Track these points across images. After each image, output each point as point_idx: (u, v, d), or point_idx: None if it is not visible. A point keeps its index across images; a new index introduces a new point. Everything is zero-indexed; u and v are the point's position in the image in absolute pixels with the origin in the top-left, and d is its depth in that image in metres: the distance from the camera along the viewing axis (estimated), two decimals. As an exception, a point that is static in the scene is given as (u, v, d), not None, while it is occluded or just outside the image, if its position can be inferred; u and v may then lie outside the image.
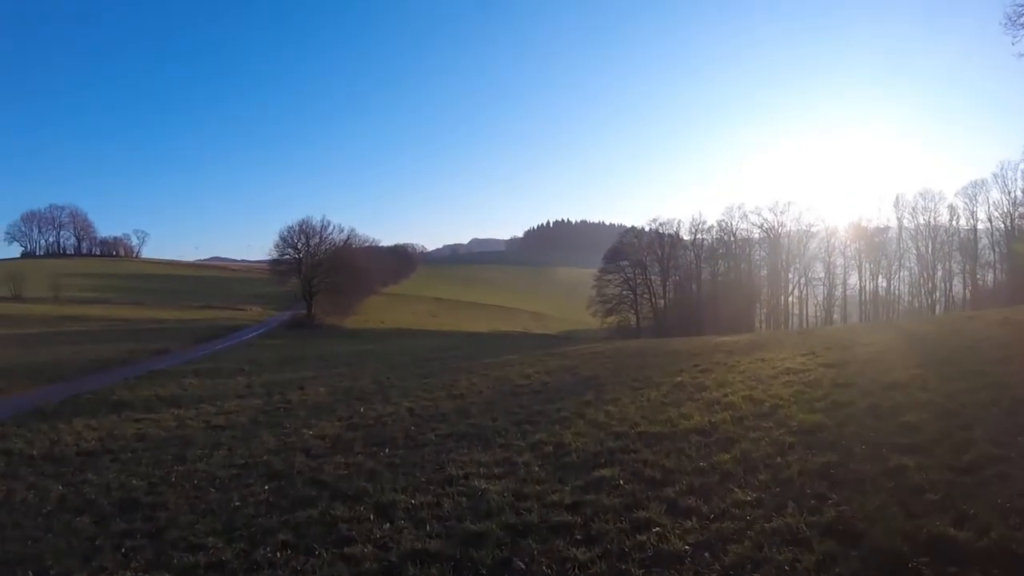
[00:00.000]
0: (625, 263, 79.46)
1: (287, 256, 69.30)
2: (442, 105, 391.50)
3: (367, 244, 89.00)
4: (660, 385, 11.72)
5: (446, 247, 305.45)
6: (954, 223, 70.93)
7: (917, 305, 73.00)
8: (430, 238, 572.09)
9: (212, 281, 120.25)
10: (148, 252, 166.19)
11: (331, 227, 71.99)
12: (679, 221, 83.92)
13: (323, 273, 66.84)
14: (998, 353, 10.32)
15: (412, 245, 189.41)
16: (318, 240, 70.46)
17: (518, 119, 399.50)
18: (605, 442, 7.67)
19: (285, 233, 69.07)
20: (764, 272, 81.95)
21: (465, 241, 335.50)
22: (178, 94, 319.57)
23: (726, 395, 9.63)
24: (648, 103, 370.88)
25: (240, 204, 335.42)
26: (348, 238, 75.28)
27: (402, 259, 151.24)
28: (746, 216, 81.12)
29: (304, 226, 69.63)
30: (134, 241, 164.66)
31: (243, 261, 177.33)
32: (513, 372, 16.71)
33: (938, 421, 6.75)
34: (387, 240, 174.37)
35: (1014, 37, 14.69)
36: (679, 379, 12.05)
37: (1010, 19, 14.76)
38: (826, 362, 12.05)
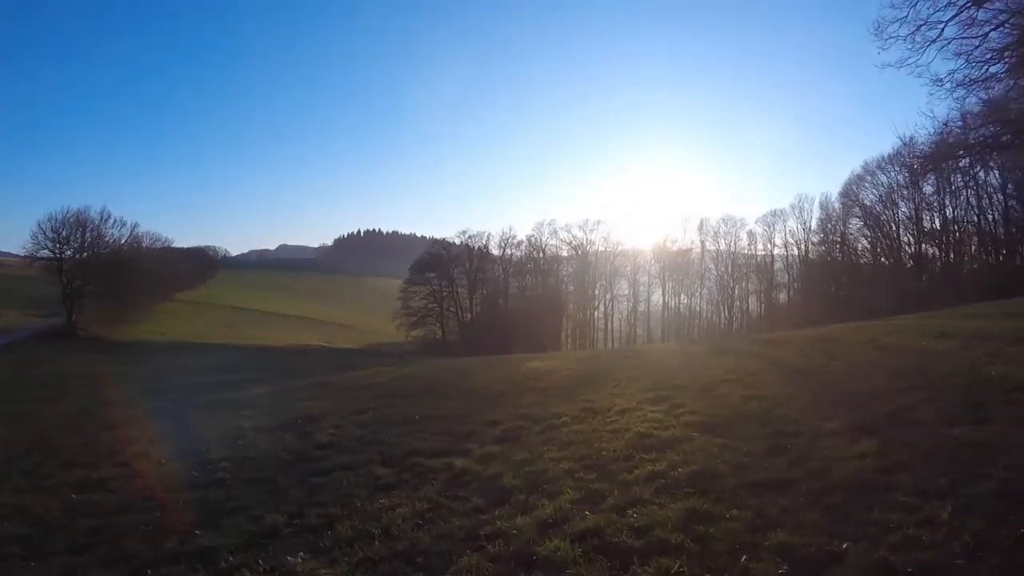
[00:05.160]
0: (432, 275, 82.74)
1: (44, 253, 59.54)
2: (248, 100, 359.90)
3: (160, 244, 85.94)
4: (424, 480, 6.74)
5: (253, 252, 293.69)
6: (752, 247, 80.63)
7: (716, 321, 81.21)
8: (235, 242, 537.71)
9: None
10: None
11: (111, 220, 64.32)
12: (489, 234, 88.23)
13: (90, 274, 58.68)
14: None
15: (214, 248, 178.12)
16: (96, 235, 62.14)
17: (332, 122, 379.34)
18: None
19: (47, 224, 58.65)
20: (571, 288, 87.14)
21: (273, 247, 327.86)
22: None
23: (547, 533, 4.83)
24: (461, 115, 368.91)
25: (27, 193, 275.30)
26: (132, 234, 68.93)
27: (202, 263, 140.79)
28: (556, 232, 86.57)
29: (79, 217, 60.58)
30: None
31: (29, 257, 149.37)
32: (200, 438, 10.85)
33: None
34: (185, 241, 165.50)
35: (882, 45, 15.62)
36: (461, 463, 7.20)
37: (879, 27, 15.55)
38: (694, 417, 8.12)
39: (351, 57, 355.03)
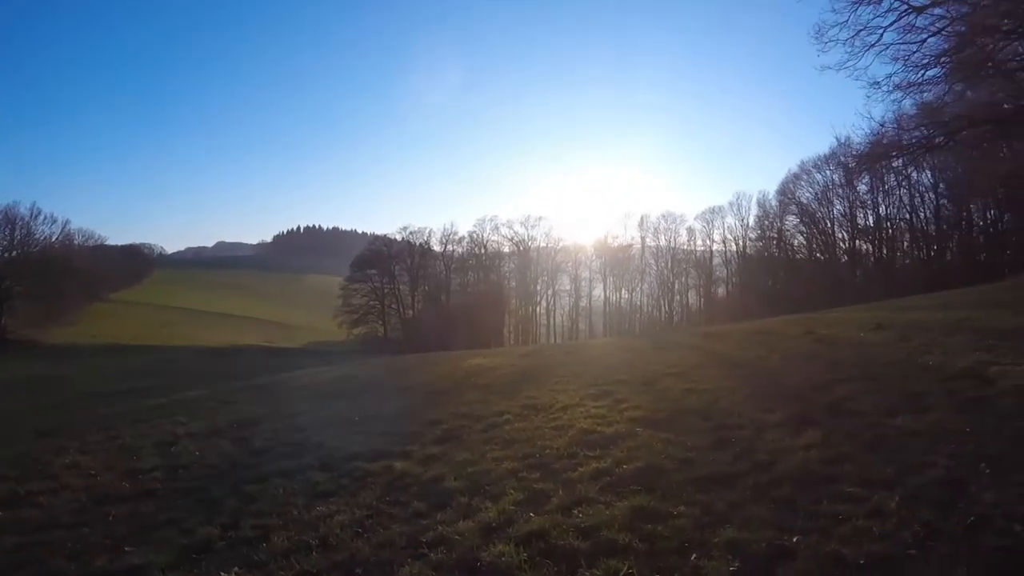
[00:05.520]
0: (373, 272, 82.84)
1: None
2: (181, 93, 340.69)
3: (92, 242, 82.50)
4: (363, 485, 6.50)
5: (189, 250, 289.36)
6: (692, 243, 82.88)
7: (656, 315, 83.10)
8: (171, 239, 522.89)
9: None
10: None
11: (42, 217, 62.14)
12: (430, 230, 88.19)
13: (19, 274, 56.89)
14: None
15: (149, 246, 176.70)
16: (25, 232, 60.14)
17: (270, 116, 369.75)
18: None
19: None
20: (513, 284, 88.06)
21: (210, 244, 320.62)
22: None
23: (491, 538, 4.67)
24: (403, 110, 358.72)
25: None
26: (63, 232, 66.64)
27: (136, 261, 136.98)
28: (497, 229, 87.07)
29: (8, 214, 58.74)
30: None
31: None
32: (132, 446, 10.46)
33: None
34: (118, 239, 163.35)
35: (823, 49, 16.47)
36: (401, 466, 6.98)
37: (819, 31, 16.37)
38: (637, 412, 8.08)
39: (288, 52, 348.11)
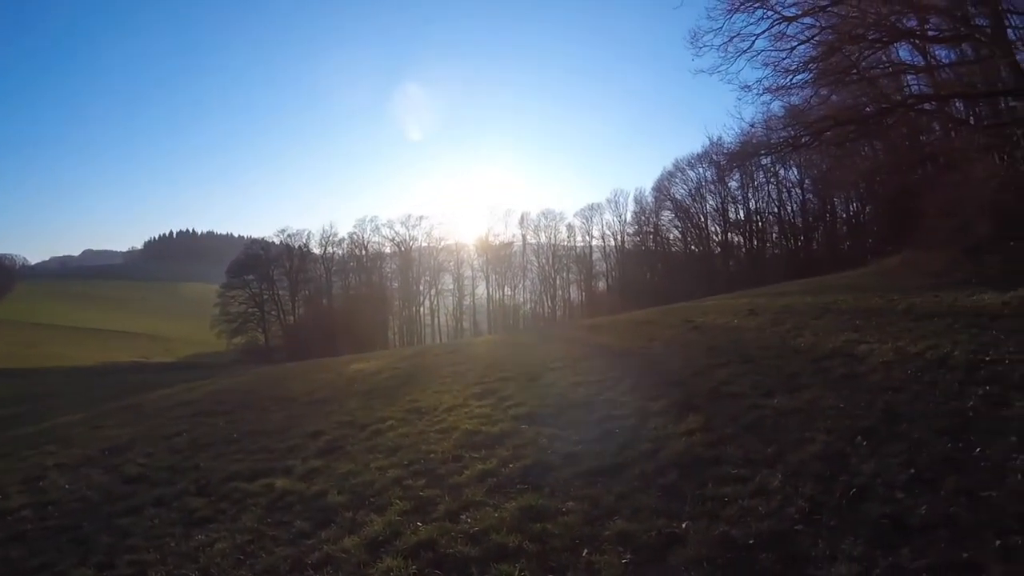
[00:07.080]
0: (251, 278, 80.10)
1: None
2: (39, 85, 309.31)
3: None
4: (243, 508, 6.17)
5: (54, 259, 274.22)
6: (572, 240, 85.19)
7: (540, 310, 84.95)
8: (34, 248, 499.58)
9: None
10: None
11: None
12: (309, 233, 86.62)
13: None
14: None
15: (10, 256, 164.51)
16: None
17: (138, 112, 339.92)
18: None
19: None
20: (396, 285, 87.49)
21: (77, 252, 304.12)
22: None
23: (378, 553, 4.53)
24: (279, 108, 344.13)
25: None
26: None
27: None
28: (378, 229, 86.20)
29: None
30: None
31: None
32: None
33: None
34: None
35: (697, 53, 17.10)
36: (282, 483, 6.67)
37: (695, 36, 17.02)
38: (522, 409, 8.17)
39: (156, 50, 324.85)
